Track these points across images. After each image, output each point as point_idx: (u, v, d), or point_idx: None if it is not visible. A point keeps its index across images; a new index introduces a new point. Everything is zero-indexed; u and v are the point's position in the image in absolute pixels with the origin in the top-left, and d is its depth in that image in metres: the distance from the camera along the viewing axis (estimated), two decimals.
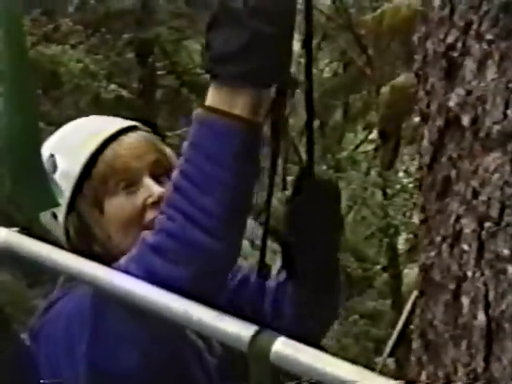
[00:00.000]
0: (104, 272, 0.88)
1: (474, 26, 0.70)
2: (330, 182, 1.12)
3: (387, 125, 3.82)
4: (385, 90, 3.90)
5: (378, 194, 5.37)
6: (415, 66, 0.90)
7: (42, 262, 0.96)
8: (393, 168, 4.41)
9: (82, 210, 1.12)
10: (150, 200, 1.09)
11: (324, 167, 5.57)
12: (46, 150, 1.16)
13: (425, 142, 0.86)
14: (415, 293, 0.99)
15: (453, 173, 0.77)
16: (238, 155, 0.87)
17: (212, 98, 0.88)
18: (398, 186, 5.16)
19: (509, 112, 0.67)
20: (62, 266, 0.94)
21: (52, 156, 1.14)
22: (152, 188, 1.09)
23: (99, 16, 7.78)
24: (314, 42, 7.08)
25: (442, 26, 0.76)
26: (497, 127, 0.68)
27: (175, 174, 0.92)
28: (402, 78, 3.63)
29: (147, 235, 0.94)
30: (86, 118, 1.26)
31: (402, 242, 6.20)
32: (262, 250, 1.03)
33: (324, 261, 1.07)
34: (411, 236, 5.54)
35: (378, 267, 6.65)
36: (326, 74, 7.47)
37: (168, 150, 1.17)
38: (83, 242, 1.12)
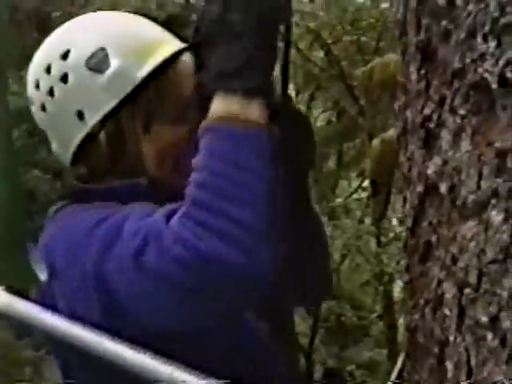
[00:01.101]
0: (93, 336, 0.88)
1: (448, 101, 0.73)
2: (301, 114, 1.05)
3: (378, 177, 3.86)
4: (375, 142, 3.95)
5: (372, 242, 5.37)
6: (396, 132, 0.93)
7: (30, 322, 0.96)
8: (384, 218, 4.43)
9: (126, 120, 1.01)
10: None
11: None
12: (92, 41, 1.00)
13: (407, 206, 0.88)
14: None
15: (433, 238, 0.79)
16: (266, 159, 0.86)
17: (225, 108, 0.86)
18: (392, 234, 5.17)
19: (482, 183, 0.69)
20: (49, 327, 0.94)
21: (103, 50, 0.99)
22: None
23: None
24: (308, 92, 7.19)
25: (419, 99, 0.79)
26: (472, 197, 0.71)
27: (195, 192, 0.84)
28: (392, 132, 3.68)
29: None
30: (132, 16, 1.09)
31: (397, 290, 6.16)
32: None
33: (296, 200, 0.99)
34: (405, 280, 5.49)
35: (374, 315, 6.59)
36: (320, 123, 7.56)
37: None
38: (109, 156, 1.01)
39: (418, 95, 0.80)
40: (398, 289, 6.01)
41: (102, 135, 1.01)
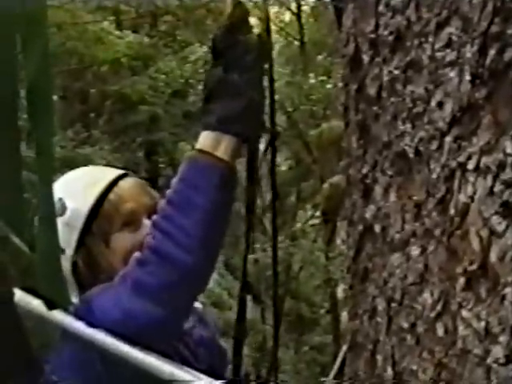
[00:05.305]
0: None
1: (379, 165, 0.74)
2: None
3: (328, 210, 3.89)
4: (325, 185, 3.98)
5: (322, 257, 5.37)
6: (343, 184, 0.93)
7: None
8: (332, 239, 4.44)
9: (90, 245, 1.03)
10: None
11: (282, 237, 5.58)
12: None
13: (350, 240, 0.88)
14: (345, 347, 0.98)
15: (370, 265, 0.78)
16: (217, 186, 0.85)
17: (201, 143, 0.88)
18: (337, 251, 5.18)
19: (405, 226, 0.69)
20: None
21: (60, 199, 1.02)
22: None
23: (119, 127, 7.91)
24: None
25: (359, 161, 0.80)
26: (397, 236, 0.71)
27: (162, 203, 0.88)
28: (337, 178, 3.72)
29: (137, 253, 0.88)
30: (85, 167, 1.15)
31: (340, 291, 6.15)
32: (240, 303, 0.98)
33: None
34: (347, 287, 5.49)
35: (323, 310, 6.55)
36: (284, 168, 7.61)
37: (156, 194, 1.09)
38: (90, 272, 1.03)
39: (357, 159, 0.80)
40: (340, 291, 6.00)
41: (80, 262, 1.03)
